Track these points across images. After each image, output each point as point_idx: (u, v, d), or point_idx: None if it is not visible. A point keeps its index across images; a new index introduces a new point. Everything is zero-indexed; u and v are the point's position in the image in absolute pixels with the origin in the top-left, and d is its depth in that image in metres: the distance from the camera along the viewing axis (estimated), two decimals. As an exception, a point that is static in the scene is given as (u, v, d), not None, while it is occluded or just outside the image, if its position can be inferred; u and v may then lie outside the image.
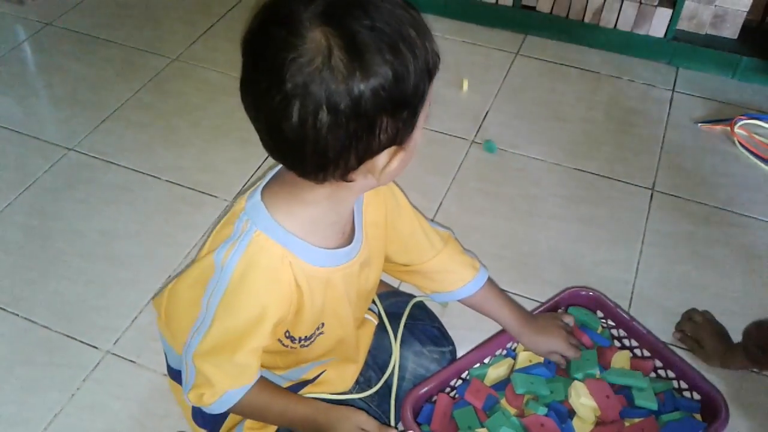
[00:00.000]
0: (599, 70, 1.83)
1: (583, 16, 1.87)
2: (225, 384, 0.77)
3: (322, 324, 0.83)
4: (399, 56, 0.61)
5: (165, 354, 0.96)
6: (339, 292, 0.81)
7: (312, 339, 0.83)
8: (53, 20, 1.93)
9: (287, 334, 0.81)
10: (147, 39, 1.88)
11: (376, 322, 1.04)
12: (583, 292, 1.15)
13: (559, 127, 1.66)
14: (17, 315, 1.24)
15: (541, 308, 1.13)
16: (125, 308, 1.25)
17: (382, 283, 1.23)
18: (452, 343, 1.10)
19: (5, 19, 1.95)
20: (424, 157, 1.56)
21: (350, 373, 0.97)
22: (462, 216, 1.45)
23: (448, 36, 1.92)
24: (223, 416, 0.91)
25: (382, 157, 0.67)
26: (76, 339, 1.21)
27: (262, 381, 0.81)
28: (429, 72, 0.65)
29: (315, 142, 0.63)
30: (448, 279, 1.00)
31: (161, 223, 1.41)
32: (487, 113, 1.69)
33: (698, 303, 1.28)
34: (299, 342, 0.82)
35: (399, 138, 0.66)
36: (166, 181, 1.50)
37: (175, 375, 0.92)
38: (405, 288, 1.21)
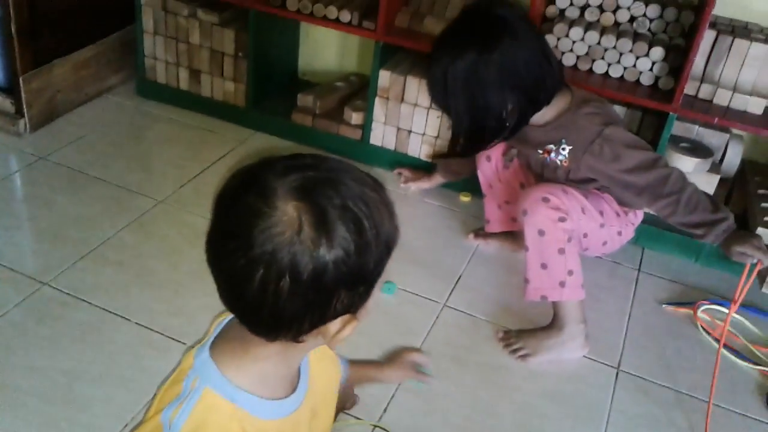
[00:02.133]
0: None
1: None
2: None
3: None
4: (363, 235, 0.67)
5: None
6: None
7: None
8: (48, 154, 2.00)
9: None
10: (137, 180, 1.94)
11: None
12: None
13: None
14: (-39, 456, 1.19)
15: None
16: (76, 456, 1.21)
17: None
18: None
19: (1, 149, 2.01)
20: (398, 317, 1.58)
21: None
22: (430, 381, 1.45)
23: (428, 199, 2.01)
24: None
25: (334, 324, 0.71)
26: (19, 488, 1.15)
27: None
28: (389, 248, 0.72)
29: (272, 306, 0.66)
30: None
31: (125, 366, 1.39)
32: (460, 277, 1.74)
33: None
34: None
35: (353, 308, 0.72)
36: (136, 323, 1.49)
37: None
38: None
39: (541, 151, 1.57)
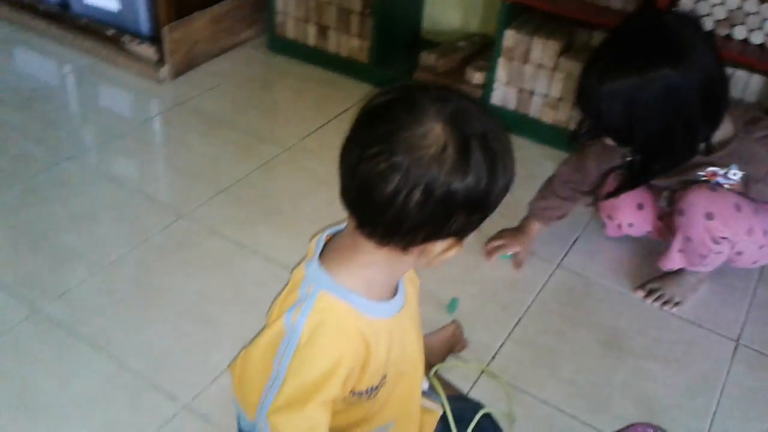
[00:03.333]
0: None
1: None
2: None
3: (386, 375, 0.87)
4: (494, 169, 0.72)
5: (238, 417, 1.00)
6: (398, 342, 0.86)
7: (377, 389, 0.87)
8: (186, 100, 2.13)
9: (353, 393, 0.84)
10: (265, 128, 2.04)
11: (439, 412, 1.06)
12: (650, 429, 1.14)
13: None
14: (109, 356, 1.32)
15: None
16: (207, 368, 1.31)
17: (450, 386, 1.26)
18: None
19: (144, 94, 2.17)
20: (509, 275, 1.60)
21: None
22: (539, 336, 1.46)
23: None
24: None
25: (440, 245, 0.76)
26: (157, 388, 1.27)
27: None
28: (507, 188, 0.76)
29: (397, 212, 0.71)
30: None
31: (250, 294, 1.49)
32: (576, 240, 1.73)
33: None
34: (365, 394, 0.86)
35: (463, 233, 0.76)
36: (262, 256, 1.59)
37: (245, 438, 0.96)
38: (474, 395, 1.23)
39: (703, 174, 1.40)
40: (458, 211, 0.72)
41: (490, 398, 1.28)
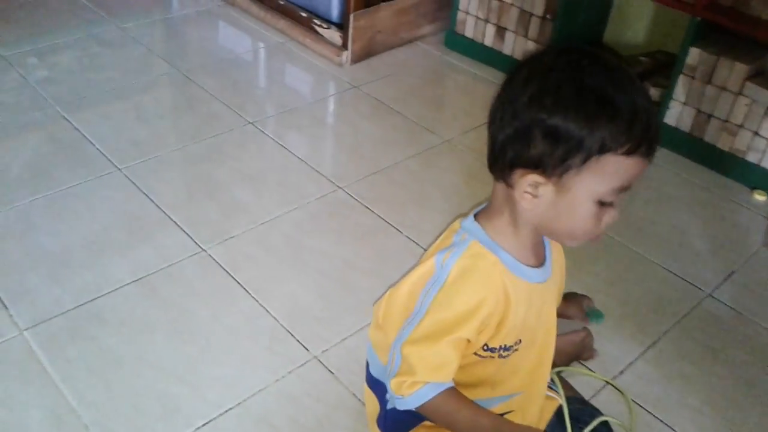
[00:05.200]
0: None
1: None
2: (425, 374, 0.84)
3: (520, 340, 0.89)
4: (589, 116, 0.75)
5: (367, 363, 1.06)
6: (536, 309, 0.88)
7: (510, 350, 0.89)
8: (360, 85, 2.25)
9: (485, 347, 0.87)
10: (429, 119, 2.11)
11: (559, 402, 1.06)
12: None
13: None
14: (256, 300, 1.45)
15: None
16: (340, 328, 1.40)
17: (571, 388, 1.25)
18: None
19: (324, 75, 2.32)
20: (655, 292, 1.55)
21: (532, 421, 1.00)
22: (674, 362, 1.40)
23: (714, 189, 1.90)
24: (406, 425, 0.98)
25: (528, 178, 0.78)
26: (294, 337, 1.38)
27: (455, 389, 0.88)
28: (603, 145, 0.75)
29: (493, 133, 0.82)
30: None
31: (392, 267, 1.56)
32: (732, 273, 1.64)
33: None
34: (498, 351, 0.88)
35: (544, 164, 0.77)
36: (406, 236, 1.66)
37: (373, 383, 1.03)
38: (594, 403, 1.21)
39: None
40: (534, 129, 0.76)
41: (610, 411, 1.25)
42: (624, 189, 0.79)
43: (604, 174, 0.76)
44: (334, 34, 2.36)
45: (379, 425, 1.02)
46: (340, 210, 1.73)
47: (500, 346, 0.88)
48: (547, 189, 0.79)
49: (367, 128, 2.05)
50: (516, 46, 2.30)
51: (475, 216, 0.89)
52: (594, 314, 1.31)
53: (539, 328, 0.92)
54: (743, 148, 1.89)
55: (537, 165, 0.77)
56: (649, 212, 1.80)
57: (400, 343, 0.86)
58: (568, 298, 1.14)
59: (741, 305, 1.55)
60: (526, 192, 0.80)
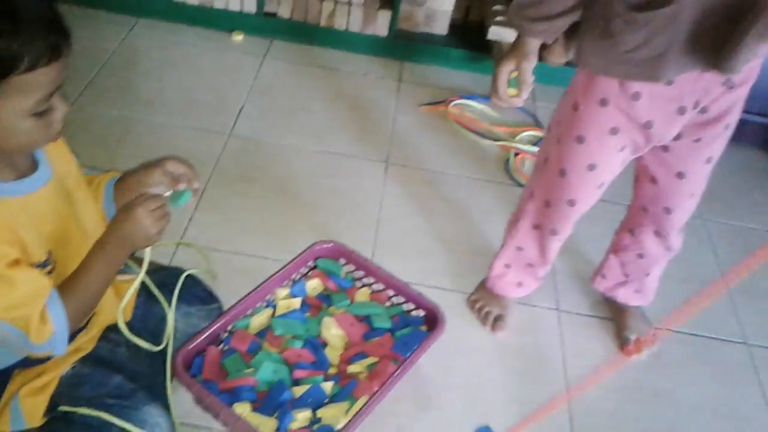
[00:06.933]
0: (338, 67, 2.09)
1: (319, 20, 2.12)
2: (39, 303, 0.83)
3: (50, 251, 0.89)
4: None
5: None
6: (47, 218, 0.88)
7: (48, 265, 0.88)
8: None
9: (34, 265, 0.86)
10: None
11: (134, 279, 1.10)
12: (326, 245, 1.37)
13: (306, 118, 1.88)
14: None
15: (292, 262, 1.32)
16: None
17: (152, 263, 1.34)
18: (218, 301, 1.24)
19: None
20: (185, 152, 1.69)
21: (111, 310, 1.05)
22: (223, 200, 1.60)
23: (199, 43, 2.06)
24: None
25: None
26: None
27: (55, 288, 0.87)
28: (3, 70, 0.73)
29: None
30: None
31: None
32: (241, 109, 1.87)
33: (431, 246, 1.57)
34: (43, 268, 0.88)
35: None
36: None
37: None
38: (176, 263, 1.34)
39: None
40: None
41: (190, 264, 1.40)
42: (54, 91, 0.78)
43: (20, 93, 0.75)
44: None
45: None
46: None
47: (39, 263, 0.87)
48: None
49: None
50: None
51: None
52: (175, 197, 1.05)
53: (67, 232, 0.91)
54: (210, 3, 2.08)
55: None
56: (150, 83, 1.89)
57: None
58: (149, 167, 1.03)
59: (256, 133, 1.81)
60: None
